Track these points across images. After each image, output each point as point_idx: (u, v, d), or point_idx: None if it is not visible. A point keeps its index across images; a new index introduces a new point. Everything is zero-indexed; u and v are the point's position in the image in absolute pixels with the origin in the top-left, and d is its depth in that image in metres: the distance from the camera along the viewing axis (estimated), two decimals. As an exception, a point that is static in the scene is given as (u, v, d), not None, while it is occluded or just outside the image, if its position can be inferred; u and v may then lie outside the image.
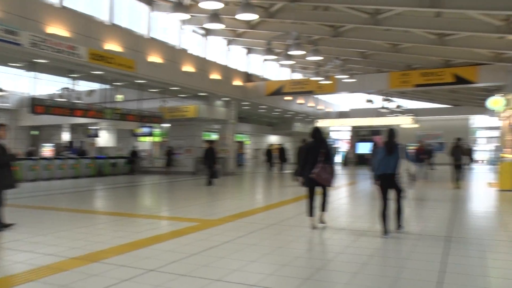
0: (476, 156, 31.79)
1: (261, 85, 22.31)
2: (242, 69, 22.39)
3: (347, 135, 37.42)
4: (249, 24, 16.83)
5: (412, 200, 10.18)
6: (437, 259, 5.05)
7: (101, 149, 23.93)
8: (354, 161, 33.11)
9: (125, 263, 4.84)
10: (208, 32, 19.95)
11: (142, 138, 25.04)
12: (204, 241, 6.01)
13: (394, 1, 11.82)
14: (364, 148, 31.35)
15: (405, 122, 30.06)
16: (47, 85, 20.68)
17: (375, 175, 6.52)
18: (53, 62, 13.27)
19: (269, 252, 5.47)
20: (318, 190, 7.03)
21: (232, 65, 21.70)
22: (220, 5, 8.11)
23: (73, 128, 26.97)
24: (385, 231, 6.27)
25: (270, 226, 7.21)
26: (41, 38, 11.62)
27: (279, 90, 21.67)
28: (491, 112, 20.41)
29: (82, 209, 9.35)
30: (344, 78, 17.78)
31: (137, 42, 15.68)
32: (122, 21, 15.65)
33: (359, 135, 35.51)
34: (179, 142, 22.08)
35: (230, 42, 21.40)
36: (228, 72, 21.00)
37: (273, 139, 36.22)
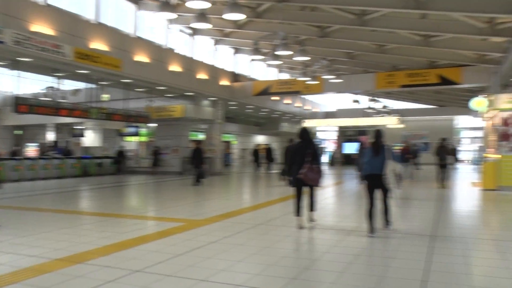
0: (461, 156, 32.23)
1: (248, 85, 22.30)
2: (229, 69, 22.35)
3: (334, 135, 37.64)
4: (236, 24, 16.81)
5: (398, 199, 10.27)
6: (422, 257, 5.10)
7: (87, 149, 23.67)
8: (341, 161, 33.30)
9: (110, 264, 4.79)
10: (195, 32, 19.87)
11: (128, 138, 24.85)
12: (191, 241, 5.98)
13: (380, 2, 11.92)
14: (351, 148, 31.56)
15: (391, 123, 30.35)
16: (31, 84, 20.38)
17: (362, 176, 6.60)
18: (38, 61, 13.07)
19: (255, 252, 5.47)
20: (306, 190, 7.07)
21: (219, 65, 21.65)
22: (207, 5, 8.08)
23: (58, 128, 26.63)
24: (372, 230, 6.33)
25: (257, 226, 7.21)
26: (25, 36, 11.44)
27: (266, 90, 21.69)
28: (474, 113, 20.72)
29: (66, 210, 9.23)
30: (331, 78, 17.88)
31: (123, 41, 15.55)
32: (108, 20, 15.49)
33: (345, 135, 35.73)
34: (166, 142, 21.96)
35: (217, 42, 21.35)
36: (215, 72, 20.95)
37: (260, 139, 36.24)
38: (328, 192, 12.89)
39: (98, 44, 14.01)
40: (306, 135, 7.10)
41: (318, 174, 6.90)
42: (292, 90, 21.52)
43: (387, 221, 6.67)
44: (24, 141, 27.05)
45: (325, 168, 22.61)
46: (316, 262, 5.15)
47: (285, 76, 27.58)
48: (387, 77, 19.08)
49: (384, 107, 30.45)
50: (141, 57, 15.99)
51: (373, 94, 28.27)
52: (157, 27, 18.22)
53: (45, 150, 24.07)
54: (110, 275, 4.36)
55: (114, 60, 14.51)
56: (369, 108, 29.28)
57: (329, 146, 38.12)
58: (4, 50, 11.39)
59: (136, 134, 23.08)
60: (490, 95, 14.87)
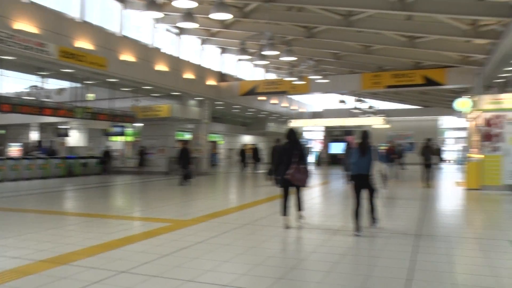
0: (445, 156, 32.66)
1: (235, 85, 22.28)
2: (216, 68, 22.30)
3: (320, 135, 37.81)
4: (223, 23, 16.78)
5: (384, 199, 10.37)
6: (407, 256, 5.16)
7: (72, 148, 23.39)
8: (327, 161, 33.47)
9: (95, 265, 4.74)
10: (181, 31, 19.78)
11: (114, 138, 24.61)
12: (177, 241, 5.96)
13: (366, 3, 12.02)
14: (337, 148, 31.72)
15: (377, 123, 30.61)
16: (14, 82, 20.04)
17: (349, 176, 6.67)
18: (21, 59, 12.88)
19: (242, 252, 5.47)
20: (292, 190, 7.12)
21: (206, 64, 21.59)
22: (194, 4, 8.05)
23: (42, 127, 26.26)
24: (358, 228, 6.39)
25: (244, 226, 7.21)
26: (8, 34, 11.26)
27: (253, 90, 21.69)
28: (458, 114, 21.00)
29: (50, 211, 9.12)
30: (318, 78, 17.96)
31: (109, 40, 15.41)
32: (93, 19, 15.34)
33: (332, 135, 35.91)
34: (152, 142, 21.82)
35: (204, 42, 21.29)
36: (201, 71, 20.88)
37: (247, 139, 36.24)
38: (314, 192, 12.94)
39: (83, 43, 13.85)
40: (293, 136, 7.19)
41: (305, 174, 6.98)
42: (278, 90, 21.57)
43: (373, 220, 6.78)
44: (7, 140, 26.61)
45: (311, 168, 22.73)
46: (303, 261, 5.17)
47: (272, 76, 27.63)
48: (373, 77, 19.25)
49: (370, 107, 30.72)
50: (127, 56, 15.86)
51: (359, 95, 28.49)
52: (143, 26, 18.10)
53: (29, 150, 23.71)
54: (95, 276, 4.32)
55: (99, 59, 14.36)
56: (355, 108, 29.50)
57: (316, 146, 38.29)
58: (-14, 48, 11.21)
59: (122, 133, 22.87)
60: (474, 96, 15.09)
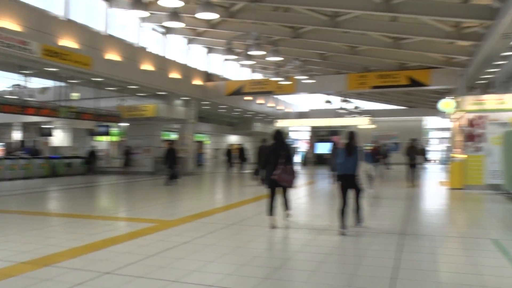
0: (429, 156, 33.07)
1: (221, 85, 22.24)
2: (202, 68, 22.23)
3: (307, 135, 37.95)
4: (209, 23, 16.74)
5: (370, 198, 10.45)
6: (391, 255, 5.21)
7: (56, 148, 23.08)
8: (313, 161, 33.61)
9: (79, 266, 4.68)
10: (167, 31, 19.66)
11: (99, 137, 24.36)
12: (163, 242, 5.92)
13: (352, 5, 12.11)
14: (323, 148, 31.87)
15: (362, 123, 30.85)
16: (-4, 81, 19.73)
17: (335, 176, 6.73)
18: (3, 58, 12.65)
19: (228, 252, 5.46)
20: (279, 190, 7.15)
21: (192, 64, 21.50)
22: (180, 3, 8.00)
23: (25, 127, 25.88)
24: (343, 226, 6.45)
25: (230, 226, 7.20)
26: (-10, 32, 11.08)
27: (239, 90, 21.68)
28: (442, 114, 21.29)
29: (33, 211, 8.98)
30: (304, 79, 18.03)
31: (94, 39, 15.24)
32: (78, 17, 15.14)
33: (318, 135, 36.08)
34: (138, 142, 21.65)
35: (190, 41, 21.19)
36: (188, 71, 20.79)
37: (233, 139, 36.20)
38: (300, 192, 12.98)
39: (67, 42, 13.68)
40: (280, 137, 7.25)
41: (292, 175, 7.04)
42: (265, 90, 21.59)
43: (358, 219, 6.85)
44: (-11, 140, 26.14)
45: (298, 168, 22.80)
46: (288, 261, 5.18)
47: (258, 76, 27.63)
48: (359, 78, 19.39)
49: (356, 107, 30.93)
50: (112, 55, 15.71)
51: (345, 95, 28.67)
52: (129, 25, 17.94)
53: (12, 150, 23.33)
54: (78, 278, 4.26)
55: (84, 58, 14.20)
56: (341, 108, 29.67)
57: (302, 146, 38.42)
58: (-33, 46, 11.00)
59: (107, 133, 22.65)
60: (457, 97, 15.30)
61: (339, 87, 20.85)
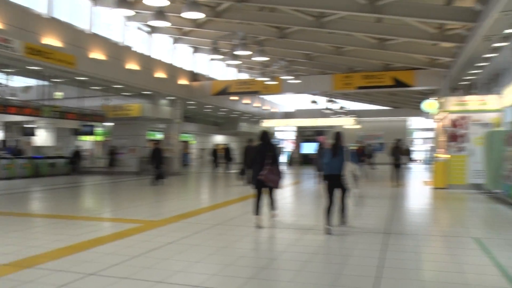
0: (414, 156, 33.46)
1: (207, 85, 22.17)
2: (188, 68, 22.13)
3: (292, 135, 38.08)
4: (195, 22, 16.66)
5: (355, 198, 10.52)
6: (376, 254, 5.26)
7: (39, 148, 22.73)
8: (299, 161, 33.74)
9: (62, 267, 4.63)
10: (153, 30, 19.52)
11: (83, 137, 24.07)
12: (148, 242, 5.88)
13: (337, 5, 12.17)
14: (309, 148, 32.03)
15: (347, 123, 31.07)
16: (-23, 80, 19.35)
17: (321, 176, 6.79)
18: (-16, 56, 12.44)
19: (213, 252, 5.45)
20: (266, 190, 7.20)
21: (177, 63, 21.39)
22: (165, 2, 7.97)
23: (7, 126, 25.42)
24: (329, 223, 6.49)
25: (215, 226, 7.18)
26: (-29, 29, 10.86)
27: (225, 90, 21.64)
28: (426, 114, 21.57)
29: (16, 212, 8.83)
30: (289, 79, 18.09)
31: (78, 37, 15.05)
32: (62, 15, 14.92)
33: (303, 135, 36.23)
34: (123, 142, 21.47)
35: (176, 41, 21.08)
36: (173, 70, 20.68)
37: (219, 139, 36.14)
38: (286, 192, 13.02)
39: (50, 40, 13.48)
40: (267, 138, 7.29)
41: (278, 175, 7.10)
42: (251, 90, 21.59)
43: (343, 218, 6.92)
44: (-30, 140, 25.60)
45: (284, 169, 22.85)
46: (274, 261, 5.19)
47: (244, 76, 27.62)
48: (344, 78, 19.52)
49: (341, 108, 31.14)
50: (97, 54, 15.54)
51: (331, 95, 28.84)
52: (114, 23, 17.75)
53: (-6, 149, 22.91)
54: (62, 280, 4.21)
55: (67, 57, 14.02)
56: (327, 108, 29.85)
57: (288, 146, 38.53)
58: None
59: (91, 133, 22.39)
60: (440, 98, 15.52)
61: (324, 87, 20.96)
